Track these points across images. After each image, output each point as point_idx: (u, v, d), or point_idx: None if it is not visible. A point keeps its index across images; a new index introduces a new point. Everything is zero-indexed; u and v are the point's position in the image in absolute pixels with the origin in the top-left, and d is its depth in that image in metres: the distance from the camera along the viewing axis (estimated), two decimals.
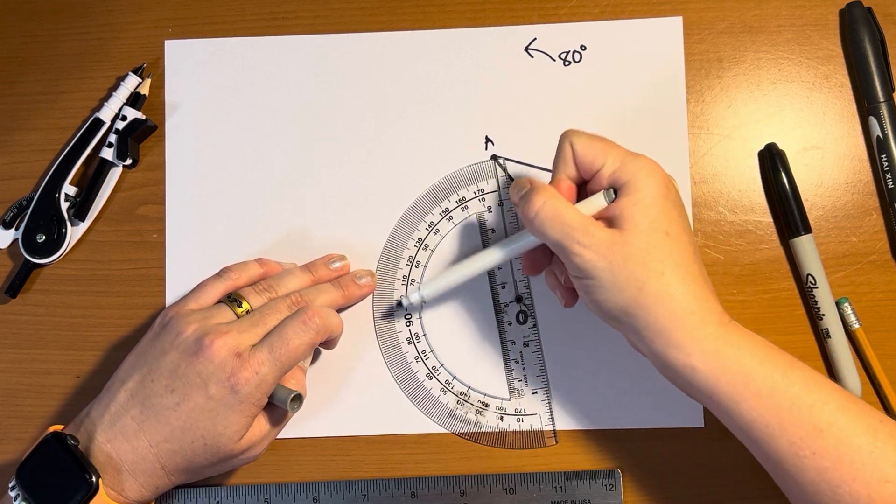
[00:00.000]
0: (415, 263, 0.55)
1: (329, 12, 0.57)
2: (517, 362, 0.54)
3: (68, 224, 0.55)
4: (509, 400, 0.54)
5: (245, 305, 0.50)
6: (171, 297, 0.55)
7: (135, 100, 0.55)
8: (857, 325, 0.53)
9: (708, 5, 0.56)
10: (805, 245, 0.53)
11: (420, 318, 0.55)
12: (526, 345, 0.54)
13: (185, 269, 0.55)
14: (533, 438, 0.54)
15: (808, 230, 0.53)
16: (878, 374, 0.53)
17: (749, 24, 0.56)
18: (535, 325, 0.54)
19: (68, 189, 0.55)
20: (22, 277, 0.55)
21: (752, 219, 0.55)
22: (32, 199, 0.55)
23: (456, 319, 0.55)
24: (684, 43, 0.56)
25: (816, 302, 0.53)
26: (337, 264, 0.54)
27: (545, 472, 0.53)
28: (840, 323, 0.53)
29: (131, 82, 0.55)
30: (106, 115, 0.55)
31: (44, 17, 0.58)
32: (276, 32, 0.57)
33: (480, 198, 0.55)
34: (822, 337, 0.53)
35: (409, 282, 0.55)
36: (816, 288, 0.53)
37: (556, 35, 0.56)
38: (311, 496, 0.53)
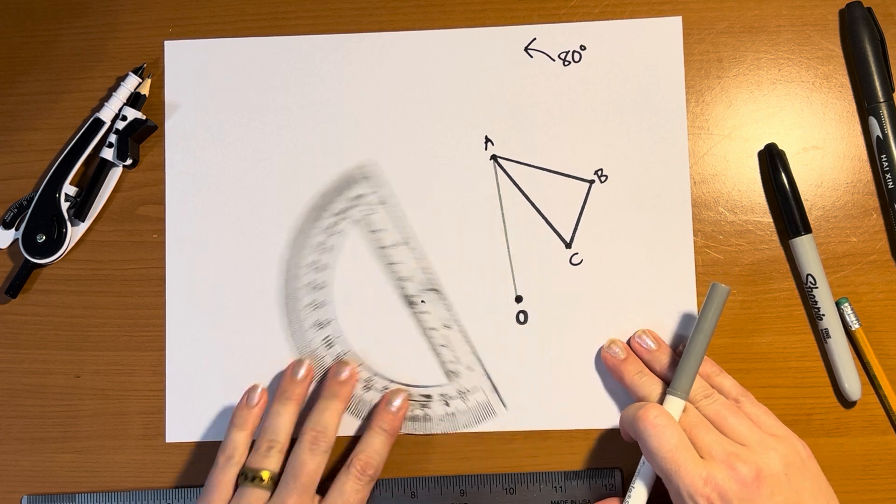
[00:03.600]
0: (315, 286, 0.55)
1: (329, 12, 0.57)
2: (444, 346, 0.54)
3: (68, 224, 0.55)
4: (449, 384, 0.54)
5: (265, 474, 0.49)
6: (171, 297, 0.55)
7: (135, 100, 0.55)
8: (856, 325, 0.53)
9: (708, 5, 0.56)
10: (805, 245, 0.53)
11: (336, 318, 0.55)
12: (448, 327, 0.54)
13: (185, 269, 0.55)
14: (483, 411, 0.54)
15: (808, 230, 0.53)
16: (877, 374, 0.53)
17: (749, 24, 0.56)
18: (449, 307, 0.54)
19: (68, 189, 0.55)
20: (22, 277, 0.55)
21: (752, 219, 0.55)
22: (32, 199, 0.55)
23: (375, 326, 0.55)
24: (684, 43, 0.56)
25: (816, 302, 0.53)
26: (301, 372, 0.53)
27: (545, 472, 0.53)
28: (840, 323, 0.53)
29: (131, 82, 0.55)
30: (106, 115, 0.55)
31: (44, 17, 0.58)
32: (276, 32, 0.57)
33: (356, 205, 0.55)
34: (821, 337, 0.53)
35: (314, 306, 0.55)
36: (816, 288, 0.53)
37: (556, 35, 0.56)
38: None
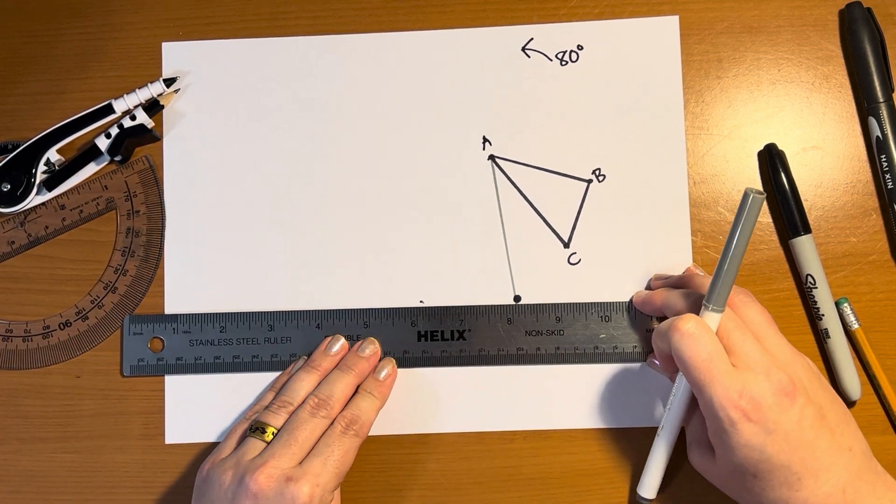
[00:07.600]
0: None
1: (329, 12, 0.57)
2: None
3: (36, 188, 0.55)
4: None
5: (269, 429, 0.49)
6: (170, 298, 0.55)
7: (151, 105, 0.55)
8: (856, 326, 0.53)
9: (707, 5, 0.56)
10: (805, 245, 0.53)
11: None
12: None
13: (185, 269, 0.56)
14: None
15: (807, 230, 0.53)
16: (877, 374, 0.53)
17: (749, 24, 0.56)
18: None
19: (53, 155, 0.55)
20: None
21: None
22: (17, 147, 0.55)
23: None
24: (684, 43, 0.56)
25: (816, 302, 0.53)
26: (335, 348, 0.53)
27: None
28: (839, 323, 0.53)
29: (155, 88, 0.55)
30: (119, 106, 0.55)
31: (44, 17, 0.58)
32: (276, 33, 0.57)
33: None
34: (821, 337, 0.53)
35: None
36: (816, 288, 0.53)
37: (553, 35, 0.56)
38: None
